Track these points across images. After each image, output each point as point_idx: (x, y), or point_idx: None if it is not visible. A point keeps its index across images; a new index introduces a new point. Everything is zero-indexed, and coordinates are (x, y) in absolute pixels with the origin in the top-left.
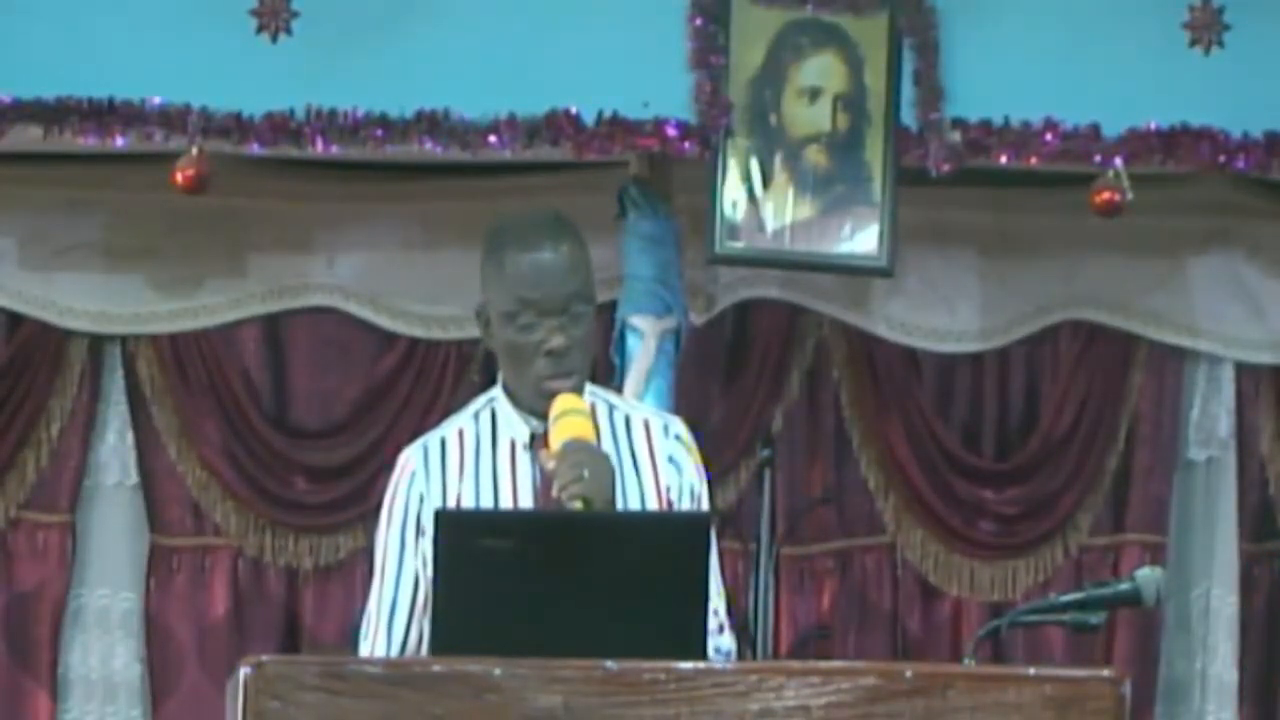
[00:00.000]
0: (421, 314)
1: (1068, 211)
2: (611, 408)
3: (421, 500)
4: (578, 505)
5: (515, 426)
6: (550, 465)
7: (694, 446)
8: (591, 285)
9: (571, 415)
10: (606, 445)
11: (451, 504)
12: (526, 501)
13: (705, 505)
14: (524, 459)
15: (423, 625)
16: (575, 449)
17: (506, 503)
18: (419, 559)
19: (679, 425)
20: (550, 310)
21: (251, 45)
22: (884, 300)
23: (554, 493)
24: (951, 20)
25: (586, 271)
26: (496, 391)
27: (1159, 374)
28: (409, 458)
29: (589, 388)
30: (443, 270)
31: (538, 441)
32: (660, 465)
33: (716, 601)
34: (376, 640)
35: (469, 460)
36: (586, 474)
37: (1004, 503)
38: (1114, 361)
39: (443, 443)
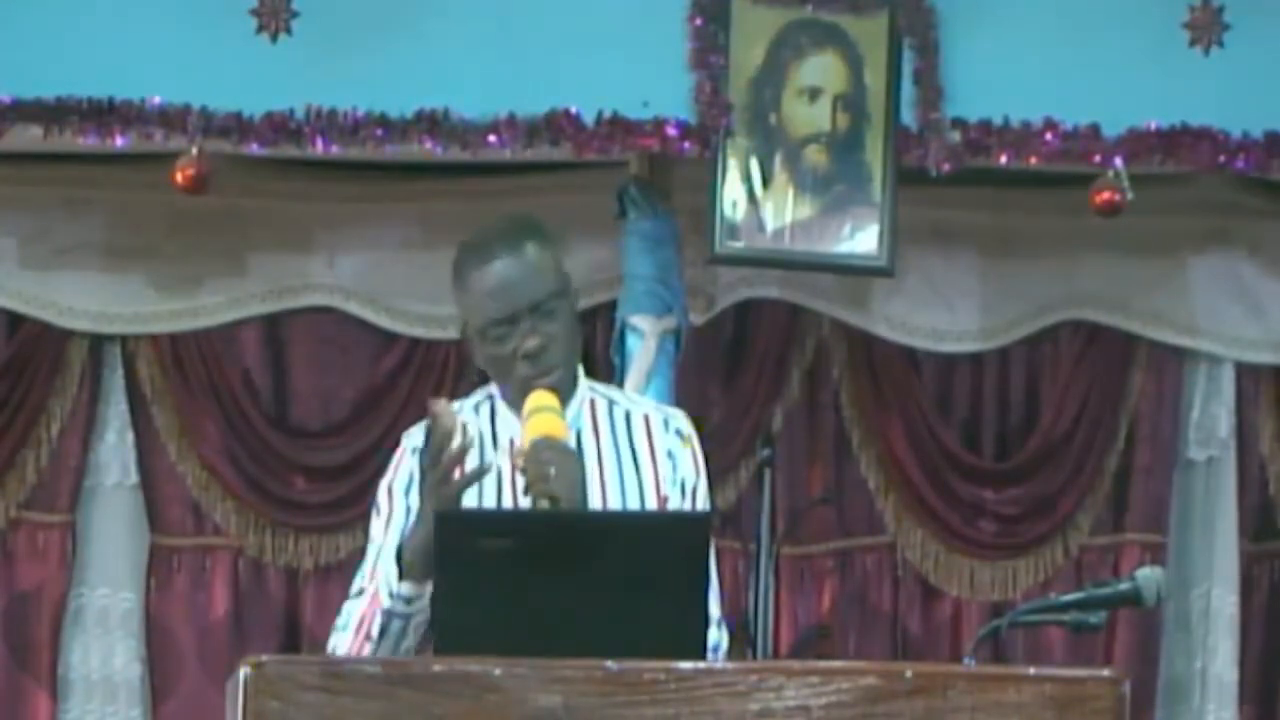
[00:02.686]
0: (421, 314)
1: (1068, 211)
2: (611, 403)
3: (413, 480)
4: (544, 504)
5: (512, 426)
6: (520, 463)
7: (694, 440)
8: (560, 279)
9: (542, 413)
10: (605, 441)
11: None
12: (525, 500)
13: (702, 498)
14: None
15: None
16: (543, 447)
17: (506, 501)
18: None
19: (680, 419)
20: (518, 314)
21: (251, 45)
22: (884, 300)
23: (522, 491)
24: (951, 20)
25: (552, 268)
26: (494, 388)
27: (1159, 374)
28: (413, 435)
29: (587, 383)
30: (443, 270)
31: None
32: (659, 460)
33: (711, 594)
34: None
35: (471, 454)
36: (553, 472)
37: (1004, 503)
38: (1114, 361)
39: None
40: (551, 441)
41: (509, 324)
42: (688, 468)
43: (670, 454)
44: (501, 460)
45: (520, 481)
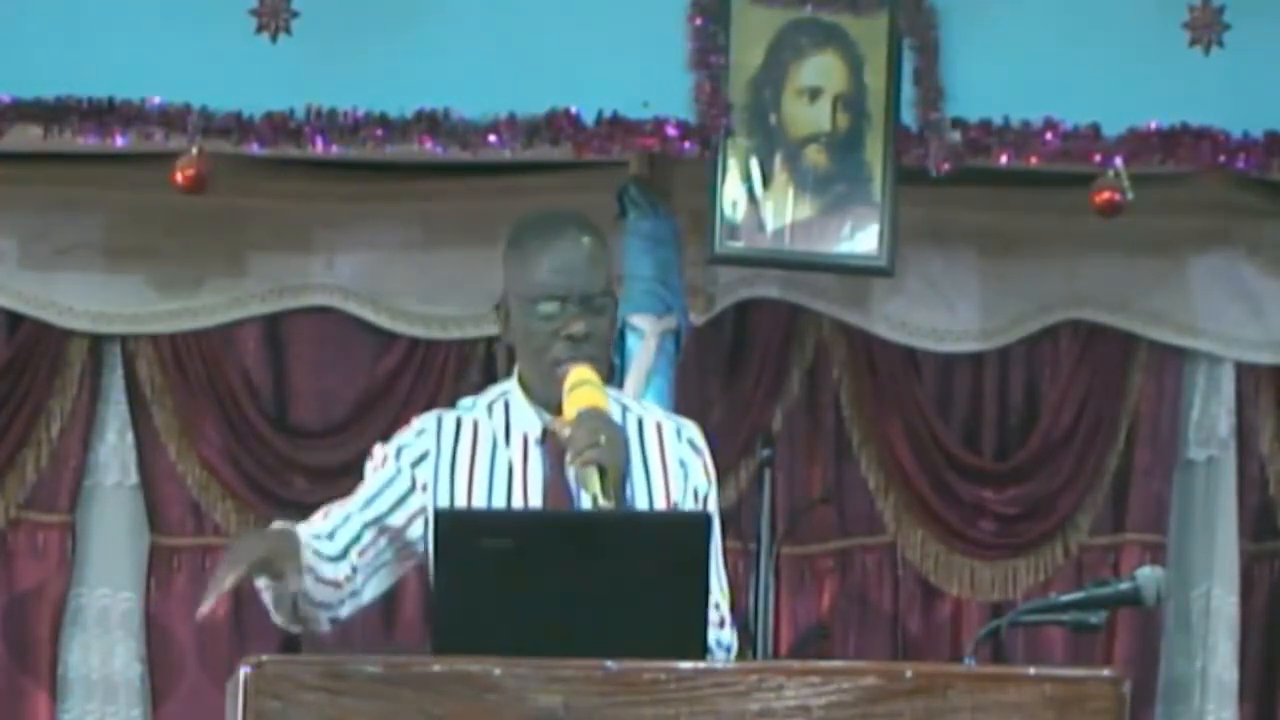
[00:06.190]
0: (421, 314)
1: (1068, 211)
2: (625, 409)
3: (424, 457)
4: (592, 471)
5: (528, 420)
6: (566, 432)
7: (705, 451)
8: (613, 281)
9: (587, 386)
10: None
11: (460, 487)
12: (535, 496)
13: (712, 507)
14: (535, 454)
15: (362, 562)
16: (591, 416)
17: (517, 496)
18: (400, 500)
19: (692, 429)
20: (571, 298)
21: (251, 45)
22: (884, 300)
23: (568, 460)
24: (951, 20)
25: (608, 267)
26: (510, 384)
27: (1159, 374)
28: (425, 419)
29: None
30: (443, 270)
31: (549, 436)
32: (671, 469)
33: (719, 596)
34: (320, 521)
35: (481, 452)
36: (603, 440)
37: (1004, 503)
38: (1114, 361)
39: (458, 423)
40: (599, 412)
41: (560, 303)
42: (699, 476)
43: (682, 463)
44: (514, 456)
45: (531, 479)
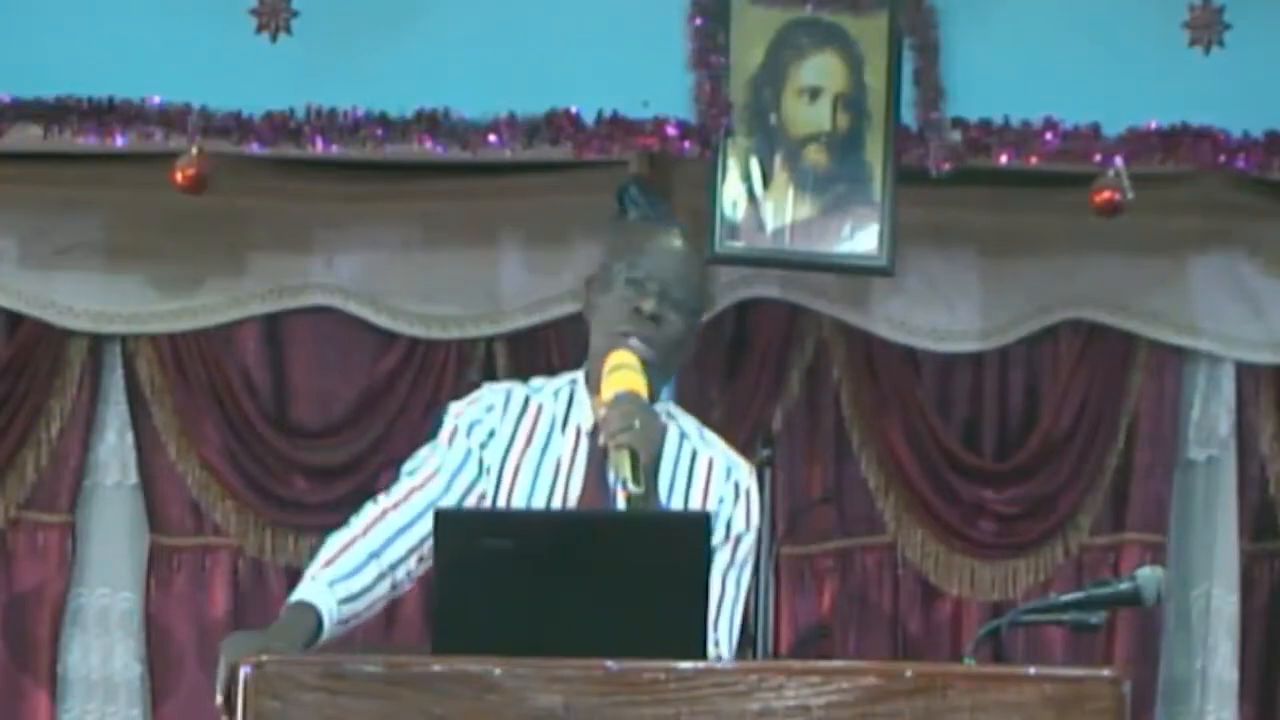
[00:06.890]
0: (421, 314)
1: (1068, 211)
2: (682, 435)
3: (491, 436)
4: (624, 454)
5: (584, 412)
6: (601, 413)
7: (751, 495)
8: (699, 309)
9: (626, 370)
10: (666, 472)
11: (507, 475)
12: (576, 486)
13: (746, 548)
14: (584, 445)
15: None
16: (627, 400)
17: (559, 491)
18: (468, 488)
19: (742, 472)
20: (652, 282)
21: (251, 45)
22: (884, 300)
23: (601, 440)
24: (951, 20)
25: (702, 292)
26: (579, 373)
27: (1159, 374)
28: (495, 393)
29: (669, 408)
30: (443, 270)
31: (599, 428)
32: (710, 505)
33: (723, 634)
34: (397, 510)
35: (538, 440)
36: (637, 424)
37: (1004, 502)
38: (1114, 361)
39: (525, 403)
40: (635, 396)
41: (641, 283)
42: (736, 515)
43: (721, 500)
44: (565, 448)
45: (575, 469)
